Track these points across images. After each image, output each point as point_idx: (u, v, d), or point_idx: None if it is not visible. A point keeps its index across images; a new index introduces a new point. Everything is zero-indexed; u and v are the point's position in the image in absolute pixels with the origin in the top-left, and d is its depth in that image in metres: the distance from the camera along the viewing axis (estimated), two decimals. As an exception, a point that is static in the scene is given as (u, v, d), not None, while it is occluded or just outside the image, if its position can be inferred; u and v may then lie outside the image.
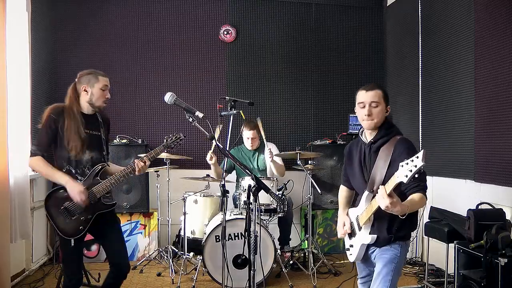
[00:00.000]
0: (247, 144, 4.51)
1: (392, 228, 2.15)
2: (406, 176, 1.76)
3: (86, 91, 2.62)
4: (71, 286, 2.52)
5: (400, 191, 2.01)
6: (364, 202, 2.18)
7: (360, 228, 2.22)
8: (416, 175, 1.76)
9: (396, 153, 2.08)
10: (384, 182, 2.00)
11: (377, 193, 1.98)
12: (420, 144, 4.48)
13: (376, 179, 2.12)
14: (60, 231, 2.49)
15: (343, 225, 2.38)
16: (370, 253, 2.25)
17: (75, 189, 2.45)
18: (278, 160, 4.49)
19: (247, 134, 4.44)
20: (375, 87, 2.21)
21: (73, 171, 2.55)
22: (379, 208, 1.94)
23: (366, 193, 2.18)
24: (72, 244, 2.48)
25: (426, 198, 2.02)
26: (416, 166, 1.74)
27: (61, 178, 2.49)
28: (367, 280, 2.36)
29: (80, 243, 2.59)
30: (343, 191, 2.54)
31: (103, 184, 2.55)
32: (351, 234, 2.31)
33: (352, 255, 2.31)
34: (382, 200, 1.84)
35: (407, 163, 1.77)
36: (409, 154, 1.99)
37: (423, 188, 2.02)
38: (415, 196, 1.99)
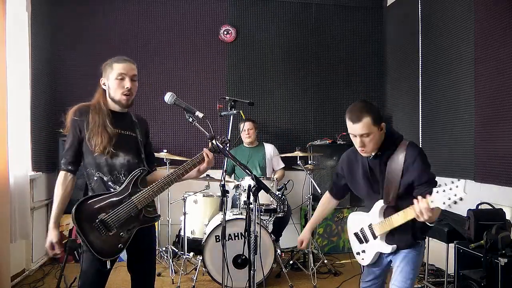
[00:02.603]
0: (245, 136, 4.53)
1: (417, 233, 2.17)
2: (444, 203, 1.76)
3: (105, 84, 2.22)
4: None
5: (408, 193, 2.05)
6: (378, 213, 2.18)
7: (375, 236, 2.24)
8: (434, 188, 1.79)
9: (408, 161, 2.06)
10: (400, 191, 2.05)
11: (389, 202, 2.07)
12: (420, 144, 4.48)
13: (391, 190, 2.10)
14: (96, 252, 2.02)
15: (301, 243, 2.49)
16: (386, 255, 2.27)
17: (48, 237, 2.17)
18: (278, 166, 4.67)
19: (244, 126, 4.50)
20: (361, 116, 2.02)
21: (105, 178, 2.15)
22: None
23: (380, 204, 2.17)
24: (108, 267, 2.06)
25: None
26: (456, 195, 1.74)
27: (51, 218, 2.20)
28: (372, 284, 2.37)
29: (112, 266, 2.12)
30: (327, 201, 2.56)
31: (145, 193, 2.09)
32: (362, 240, 2.33)
33: (365, 260, 2.33)
34: (426, 213, 1.82)
35: (444, 190, 1.77)
36: (424, 162, 2.05)
37: None
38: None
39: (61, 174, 2.18)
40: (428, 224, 1.97)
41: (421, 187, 2.04)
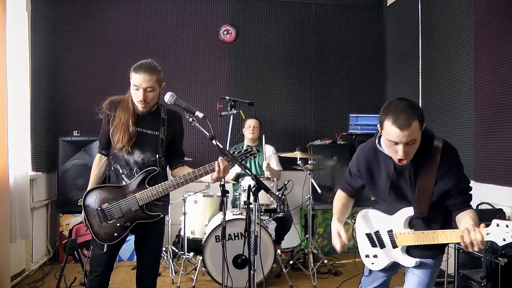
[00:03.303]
0: (248, 132, 4.52)
1: (444, 246, 2.03)
2: (505, 240, 1.59)
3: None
4: (92, 285, 2.36)
5: (440, 201, 1.87)
6: (403, 221, 1.96)
7: (394, 246, 2.02)
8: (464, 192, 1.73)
9: (444, 166, 1.82)
10: (432, 200, 1.85)
11: (421, 212, 1.88)
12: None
13: (423, 199, 1.86)
14: (94, 234, 2.30)
15: (338, 236, 2.08)
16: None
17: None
18: (274, 166, 4.60)
19: (249, 122, 4.50)
20: (410, 119, 1.69)
21: (120, 171, 2.32)
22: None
23: (408, 213, 1.94)
24: (105, 250, 2.29)
25: None
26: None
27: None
28: None
29: (115, 249, 2.37)
30: (342, 198, 2.25)
31: (148, 192, 2.26)
32: (376, 244, 2.10)
33: (375, 265, 2.13)
34: (478, 245, 1.65)
35: (507, 225, 1.58)
36: (461, 166, 1.87)
37: (470, 204, 1.90)
38: (472, 214, 1.83)
39: (97, 156, 2.46)
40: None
41: (458, 196, 1.86)
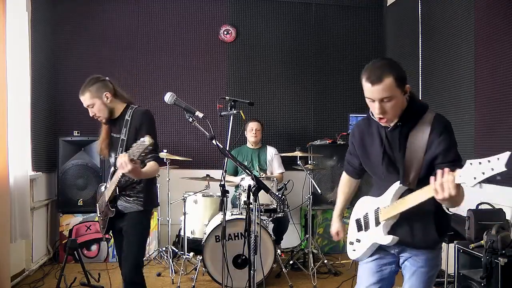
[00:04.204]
0: (251, 135, 4.53)
1: (442, 227, 1.80)
2: (475, 178, 1.39)
3: None
4: None
5: (429, 174, 1.65)
6: (392, 195, 1.80)
7: (377, 223, 1.85)
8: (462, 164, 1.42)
9: (434, 133, 1.71)
10: (422, 172, 1.70)
11: (409, 183, 1.69)
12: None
13: (411, 170, 1.73)
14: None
15: (336, 234, 2.12)
16: (400, 255, 1.90)
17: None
18: (277, 168, 4.66)
19: (251, 125, 4.52)
20: (383, 74, 1.66)
21: (112, 172, 2.58)
22: (420, 203, 1.62)
23: (396, 186, 1.79)
24: (105, 238, 2.61)
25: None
26: (493, 170, 1.36)
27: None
28: None
29: (117, 239, 2.64)
30: (347, 181, 2.17)
31: (107, 190, 2.53)
32: (362, 227, 1.96)
33: (356, 252, 1.96)
34: (448, 188, 1.45)
35: (480, 163, 1.38)
36: (452, 138, 1.73)
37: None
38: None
39: None
40: (447, 210, 1.69)
41: (445, 166, 1.63)
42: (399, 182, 1.79)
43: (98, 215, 2.65)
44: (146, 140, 2.08)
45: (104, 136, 2.57)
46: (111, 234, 2.66)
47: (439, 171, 1.48)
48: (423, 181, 1.66)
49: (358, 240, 1.96)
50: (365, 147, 1.93)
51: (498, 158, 1.34)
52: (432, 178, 1.51)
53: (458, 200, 1.55)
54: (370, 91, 1.69)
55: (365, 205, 1.98)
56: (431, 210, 1.75)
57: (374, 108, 1.72)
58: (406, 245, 1.85)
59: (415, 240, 1.81)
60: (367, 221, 1.93)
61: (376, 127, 1.87)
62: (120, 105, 2.56)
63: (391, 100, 1.68)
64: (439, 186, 1.47)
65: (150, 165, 2.41)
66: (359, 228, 1.98)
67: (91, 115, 2.54)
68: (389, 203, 1.81)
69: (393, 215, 1.78)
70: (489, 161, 1.36)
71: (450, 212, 1.68)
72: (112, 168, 2.54)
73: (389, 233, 1.81)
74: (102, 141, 2.57)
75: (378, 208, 1.86)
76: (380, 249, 1.92)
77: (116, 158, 2.42)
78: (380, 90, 1.66)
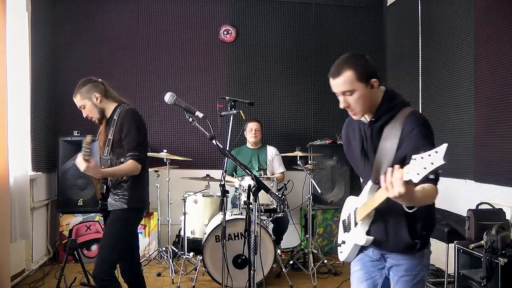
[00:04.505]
0: (250, 136, 4.54)
1: (416, 229, 1.70)
2: (418, 174, 1.34)
3: None
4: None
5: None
6: (366, 194, 1.75)
7: (355, 224, 1.80)
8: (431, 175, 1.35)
9: (406, 130, 1.64)
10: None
11: (377, 181, 1.60)
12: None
13: (382, 166, 1.68)
14: None
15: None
16: (383, 258, 1.82)
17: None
18: (277, 167, 4.66)
19: (251, 125, 4.52)
20: (342, 68, 1.69)
21: None
22: (389, 201, 1.51)
23: (370, 183, 1.75)
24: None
25: (437, 192, 1.59)
26: (432, 164, 1.30)
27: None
28: None
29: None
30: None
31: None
32: (345, 228, 1.92)
33: (343, 254, 1.90)
34: (396, 186, 1.38)
35: (422, 157, 1.33)
36: (426, 134, 1.63)
37: (435, 180, 1.56)
38: (427, 187, 1.55)
39: None
40: (407, 209, 1.57)
41: None
42: (371, 181, 1.75)
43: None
44: (85, 139, 2.28)
45: (101, 134, 2.64)
46: None
47: (389, 169, 1.43)
48: None
49: (344, 242, 1.91)
50: (349, 142, 1.93)
51: (436, 152, 1.30)
52: (382, 176, 1.45)
53: (415, 199, 1.46)
54: (332, 85, 1.74)
55: (349, 206, 1.94)
56: (402, 210, 1.62)
57: (340, 102, 1.74)
58: (382, 247, 1.77)
59: (389, 241, 1.73)
60: (350, 221, 1.88)
61: (358, 123, 1.85)
62: (111, 105, 2.61)
63: (353, 94, 1.68)
64: (389, 184, 1.41)
65: (126, 163, 2.45)
66: (345, 229, 1.93)
67: (84, 116, 2.62)
68: (365, 202, 1.76)
69: (366, 215, 1.72)
70: (429, 155, 1.32)
71: (409, 210, 1.58)
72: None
73: (367, 233, 1.75)
74: (100, 141, 2.63)
75: (356, 208, 1.82)
76: (366, 256, 1.86)
77: (101, 157, 2.60)
78: (339, 84, 1.70)
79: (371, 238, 1.74)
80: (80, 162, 2.29)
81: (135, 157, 2.45)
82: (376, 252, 1.81)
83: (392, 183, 1.39)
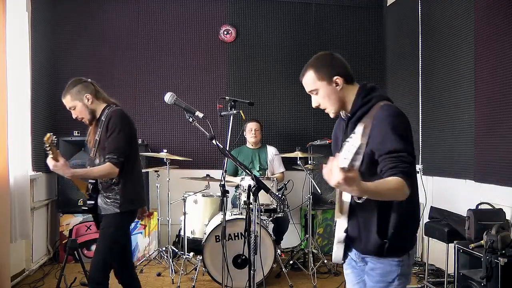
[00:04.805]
0: (250, 136, 4.54)
1: (386, 228, 1.58)
2: (345, 158, 1.26)
3: None
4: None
5: (374, 173, 1.54)
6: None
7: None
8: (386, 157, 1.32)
9: (373, 123, 1.54)
10: (363, 167, 1.51)
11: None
12: (420, 144, 4.48)
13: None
14: None
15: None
16: (364, 261, 1.72)
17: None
18: (278, 167, 4.68)
19: (250, 126, 4.52)
20: (306, 69, 1.76)
21: None
22: (362, 200, 1.47)
23: None
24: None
25: (408, 186, 1.45)
26: (354, 146, 1.24)
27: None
28: None
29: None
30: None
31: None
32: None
33: (334, 254, 1.78)
34: (334, 173, 1.31)
35: (348, 141, 1.28)
36: (395, 126, 1.53)
37: (402, 172, 1.46)
38: (389, 179, 1.46)
39: None
40: (357, 200, 1.51)
41: (385, 161, 1.50)
42: None
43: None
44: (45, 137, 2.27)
45: (90, 135, 2.65)
46: None
47: (330, 158, 1.37)
48: (365, 176, 1.47)
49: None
50: (336, 142, 1.96)
51: (354, 132, 1.26)
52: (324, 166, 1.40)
53: (364, 188, 1.36)
54: (303, 83, 1.78)
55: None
56: (374, 206, 1.55)
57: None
58: (356, 247, 1.70)
59: (362, 240, 1.64)
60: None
61: (342, 122, 1.84)
62: (101, 106, 2.59)
63: (318, 93, 1.72)
64: (329, 172, 1.34)
65: (102, 165, 2.45)
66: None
67: (73, 117, 2.59)
68: (337, 197, 1.71)
69: (338, 211, 1.66)
70: (351, 137, 1.27)
71: (359, 200, 1.52)
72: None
73: (345, 231, 1.68)
74: (90, 143, 2.64)
75: None
76: (351, 258, 1.79)
77: (89, 158, 2.64)
78: (305, 84, 1.76)
79: (343, 235, 1.67)
80: (48, 161, 2.33)
81: (112, 160, 2.42)
82: (358, 254, 1.72)
83: (330, 171, 1.33)
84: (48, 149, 2.30)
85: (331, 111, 1.75)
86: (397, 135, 1.51)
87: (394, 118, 1.56)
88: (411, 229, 1.65)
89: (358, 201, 1.53)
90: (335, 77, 1.69)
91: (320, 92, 1.72)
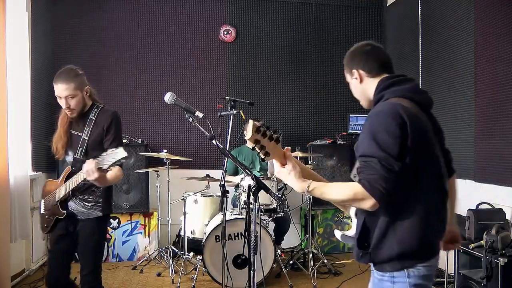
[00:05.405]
0: None
1: (367, 237, 1.46)
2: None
3: None
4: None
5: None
6: None
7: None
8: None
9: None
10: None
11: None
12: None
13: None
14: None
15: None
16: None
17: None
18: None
19: None
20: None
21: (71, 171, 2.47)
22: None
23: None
24: (43, 239, 2.41)
25: (376, 196, 1.33)
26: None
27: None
28: None
29: (63, 242, 2.45)
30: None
31: (61, 188, 2.41)
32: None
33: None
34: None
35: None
36: (368, 127, 1.44)
37: (366, 179, 1.35)
38: (348, 184, 1.42)
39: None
40: (307, 193, 1.53)
41: (358, 165, 1.44)
42: None
43: (43, 211, 2.49)
44: (120, 152, 2.04)
45: (61, 134, 2.45)
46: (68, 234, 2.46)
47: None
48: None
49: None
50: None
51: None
52: None
53: (293, 182, 1.53)
54: None
55: None
56: (364, 212, 1.46)
57: None
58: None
59: (355, 252, 1.54)
60: None
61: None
62: (89, 103, 2.50)
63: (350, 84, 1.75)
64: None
65: (115, 171, 2.30)
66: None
67: (64, 106, 2.41)
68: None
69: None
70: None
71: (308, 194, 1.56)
72: (70, 168, 2.42)
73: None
74: (59, 140, 2.44)
75: None
76: None
77: (75, 158, 2.40)
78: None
79: (340, 233, 1.63)
80: (92, 170, 2.11)
81: (121, 164, 2.35)
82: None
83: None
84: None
85: (361, 103, 1.72)
86: (370, 138, 1.39)
87: (374, 119, 1.44)
88: (402, 245, 1.41)
89: (308, 195, 1.55)
90: (353, 70, 1.67)
91: (350, 84, 1.71)
